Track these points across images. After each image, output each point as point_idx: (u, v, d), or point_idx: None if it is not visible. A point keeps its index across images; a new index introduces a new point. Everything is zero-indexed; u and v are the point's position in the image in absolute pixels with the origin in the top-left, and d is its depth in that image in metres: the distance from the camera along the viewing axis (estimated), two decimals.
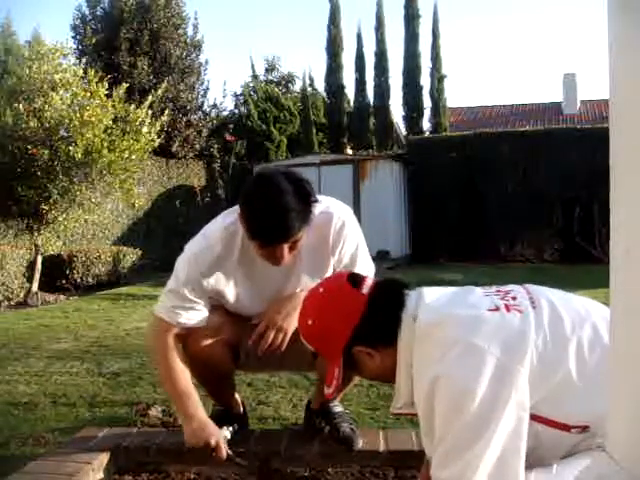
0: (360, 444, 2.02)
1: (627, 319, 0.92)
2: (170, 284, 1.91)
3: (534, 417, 1.26)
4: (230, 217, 1.87)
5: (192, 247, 1.89)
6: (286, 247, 1.73)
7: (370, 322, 1.37)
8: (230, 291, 1.93)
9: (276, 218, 1.65)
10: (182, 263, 1.88)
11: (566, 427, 1.27)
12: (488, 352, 1.24)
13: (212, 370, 1.99)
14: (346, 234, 1.90)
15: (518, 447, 1.21)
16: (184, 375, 1.88)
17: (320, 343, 1.45)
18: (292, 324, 1.88)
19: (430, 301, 1.38)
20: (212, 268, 1.86)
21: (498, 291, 1.42)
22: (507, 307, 1.33)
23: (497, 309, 1.33)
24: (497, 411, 1.20)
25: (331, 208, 1.90)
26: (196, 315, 1.90)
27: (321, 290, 1.47)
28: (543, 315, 1.31)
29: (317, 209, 1.80)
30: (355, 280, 1.43)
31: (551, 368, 1.26)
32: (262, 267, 1.88)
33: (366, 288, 1.41)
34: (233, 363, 2.05)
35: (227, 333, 1.96)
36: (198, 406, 1.87)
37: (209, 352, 1.92)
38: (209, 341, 1.92)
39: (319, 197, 1.89)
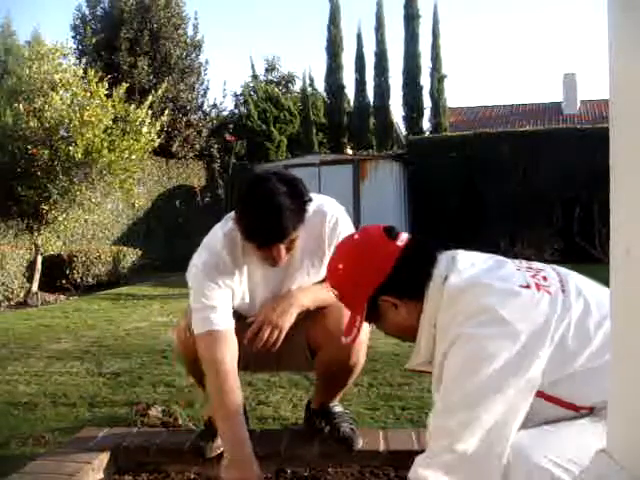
0: (360, 444, 2.02)
1: (627, 319, 0.92)
2: (194, 302, 1.85)
3: (543, 395, 1.27)
4: (227, 225, 1.89)
5: (199, 261, 1.86)
6: (283, 247, 1.74)
7: (400, 273, 1.37)
8: (236, 291, 1.93)
9: (271, 219, 1.66)
10: (195, 278, 1.85)
11: (574, 407, 1.29)
12: (514, 328, 1.24)
13: None
14: (340, 231, 1.91)
15: (515, 419, 1.23)
16: (237, 396, 1.80)
17: (347, 288, 1.44)
18: (287, 321, 1.88)
19: (463, 267, 1.38)
20: (222, 273, 1.85)
21: (529, 268, 1.42)
22: (537, 286, 1.33)
23: (528, 286, 1.33)
24: (507, 385, 1.22)
25: (324, 206, 1.92)
26: (228, 310, 1.85)
27: (356, 237, 1.48)
28: (571, 301, 1.32)
29: (310, 207, 1.81)
30: (391, 232, 1.43)
31: (570, 356, 1.27)
32: (261, 267, 1.89)
33: (401, 241, 1.41)
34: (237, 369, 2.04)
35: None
36: (247, 436, 1.78)
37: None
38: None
39: (312, 195, 1.91)
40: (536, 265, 1.44)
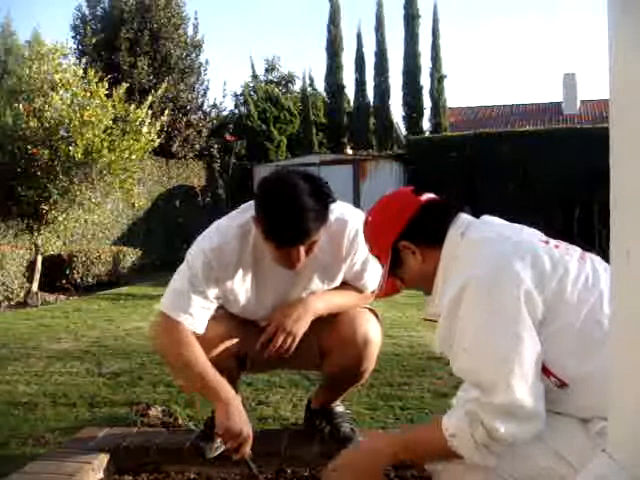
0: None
1: (627, 320, 0.92)
2: (179, 280, 1.83)
3: None
4: (242, 216, 1.82)
5: (206, 243, 1.81)
6: (302, 249, 1.68)
7: (419, 221, 1.47)
8: (239, 292, 1.89)
9: (294, 219, 1.61)
10: (195, 258, 1.80)
11: (548, 372, 1.31)
12: (522, 278, 1.29)
13: None
14: (359, 242, 1.86)
15: (534, 367, 1.27)
16: (205, 360, 1.79)
17: (375, 237, 1.55)
18: (301, 328, 1.85)
19: (483, 224, 1.48)
20: (225, 265, 1.79)
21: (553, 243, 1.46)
22: (556, 246, 1.40)
23: (547, 242, 1.41)
24: (521, 332, 1.27)
25: (346, 215, 1.87)
26: (205, 314, 1.83)
27: (387, 194, 1.61)
28: (585, 269, 1.36)
29: (332, 215, 1.76)
30: (417, 190, 1.55)
31: (554, 314, 1.30)
32: (272, 270, 1.83)
33: (425, 197, 1.52)
34: (238, 372, 2.04)
35: (233, 344, 1.93)
36: (230, 389, 1.79)
37: (215, 364, 1.84)
38: (215, 353, 1.87)
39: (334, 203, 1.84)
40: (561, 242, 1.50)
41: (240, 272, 1.85)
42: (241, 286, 1.88)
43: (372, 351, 1.95)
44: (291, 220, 1.61)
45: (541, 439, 1.29)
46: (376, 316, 2.03)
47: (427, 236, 1.47)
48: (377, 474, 1.47)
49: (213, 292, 1.83)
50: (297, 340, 1.85)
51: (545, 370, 1.30)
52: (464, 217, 1.49)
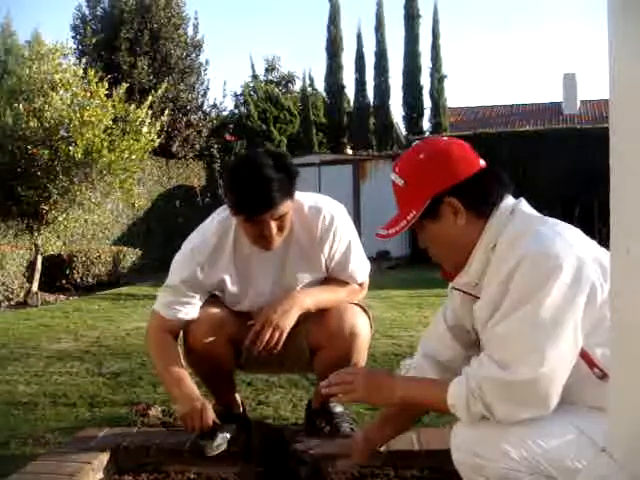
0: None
1: (628, 319, 0.92)
2: (168, 280, 1.96)
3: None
4: (223, 213, 1.92)
5: (188, 243, 1.94)
6: (273, 224, 1.75)
7: (478, 184, 1.37)
8: (226, 285, 1.95)
9: (257, 187, 1.70)
10: (180, 258, 1.94)
11: (591, 363, 1.26)
12: (584, 259, 1.25)
13: (213, 366, 1.99)
14: (335, 228, 1.91)
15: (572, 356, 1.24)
16: (178, 362, 1.92)
17: (418, 178, 1.39)
18: (288, 322, 1.87)
19: (529, 208, 1.42)
20: (208, 261, 1.89)
21: None
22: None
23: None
24: (574, 302, 1.23)
25: (320, 203, 1.93)
26: (193, 310, 1.93)
27: (445, 138, 1.48)
28: None
29: (306, 203, 1.88)
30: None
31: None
32: (256, 262, 1.91)
33: (484, 163, 1.42)
34: (234, 360, 2.05)
35: (228, 328, 1.96)
36: (191, 385, 1.89)
37: (210, 348, 1.92)
38: (211, 337, 1.92)
39: (310, 194, 1.96)
40: None
41: (225, 264, 1.92)
42: (229, 278, 1.94)
43: (360, 344, 1.96)
44: (254, 189, 1.70)
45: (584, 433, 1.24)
46: (365, 311, 2.05)
47: (479, 202, 1.37)
48: (383, 403, 1.54)
49: (201, 287, 1.93)
50: (285, 334, 1.87)
51: (588, 360, 1.26)
52: (511, 197, 1.42)
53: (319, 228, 1.90)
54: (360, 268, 2.03)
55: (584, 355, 1.27)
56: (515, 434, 1.25)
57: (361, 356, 1.98)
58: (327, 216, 1.91)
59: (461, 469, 1.33)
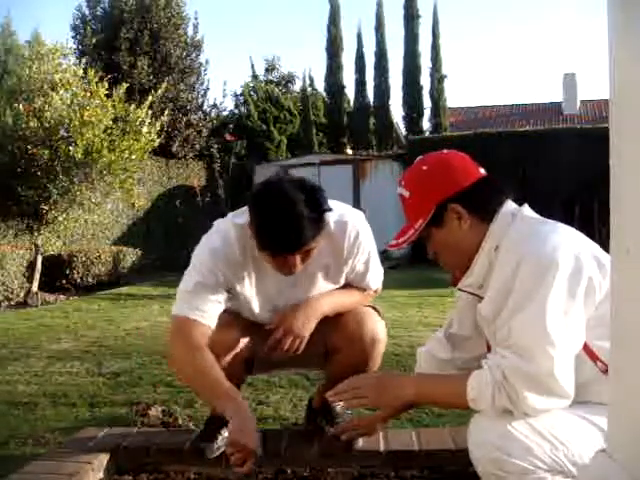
0: (360, 444, 2.02)
1: (627, 319, 0.92)
2: (185, 282, 1.81)
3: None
4: (241, 218, 1.80)
5: (212, 243, 1.81)
6: (298, 257, 1.67)
7: (479, 191, 1.46)
8: (243, 293, 1.89)
9: (288, 229, 1.59)
10: (199, 259, 1.81)
11: (594, 356, 1.31)
12: (581, 256, 1.31)
13: None
14: (360, 243, 1.87)
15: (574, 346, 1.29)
16: (216, 367, 1.71)
17: (423, 188, 1.49)
18: (308, 330, 1.86)
19: (530, 212, 1.49)
20: (228, 264, 1.80)
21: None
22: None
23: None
24: (574, 298, 1.29)
25: (345, 217, 1.86)
26: (215, 307, 1.80)
27: (446, 152, 1.56)
28: None
29: (331, 218, 1.76)
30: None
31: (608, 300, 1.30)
32: (275, 276, 1.83)
33: (484, 171, 1.51)
34: (245, 376, 2.04)
35: (243, 348, 1.92)
36: (242, 398, 1.71)
37: (224, 369, 1.79)
38: (226, 358, 1.86)
39: (332, 203, 1.83)
40: None
41: (243, 270, 1.85)
42: (245, 284, 1.88)
43: (379, 350, 1.97)
44: (285, 230, 1.59)
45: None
46: (379, 313, 2.05)
47: (481, 207, 1.45)
48: (396, 403, 1.52)
49: (220, 289, 1.81)
50: (305, 341, 1.86)
51: (591, 354, 1.31)
52: (512, 203, 1.50)
53: (345, 245, 1.85)
54: (377, 276, 2.03)
55: (587, 349, 1.31)
56: (538, 429, 1.27)
57: (376, 361, 1.98)
58: (353, 232, 1.85)
59: (480, 464, 1.33)
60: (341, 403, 2.17)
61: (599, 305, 1.30)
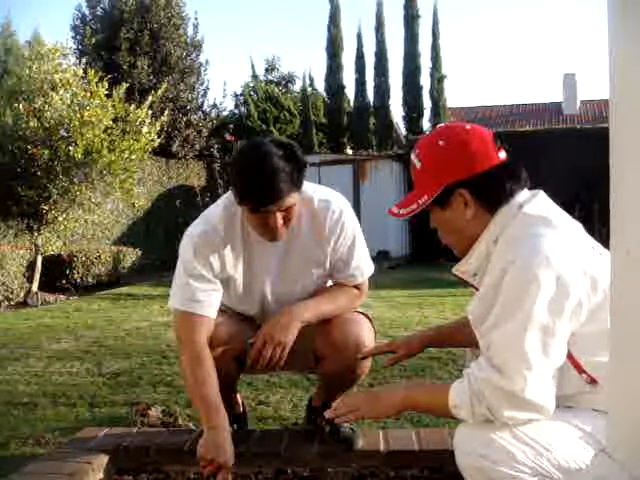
0: (360, 444, 2.02)
1: (627, 319, 0.92)
2: (177, 276, 1.84)
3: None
4: (227, 200, 1.85)
5: (194, 230, 1.84)
6: (279, 215, 1.69)
7: (491, 180, 1.38)
8: (232, 277, 1.89)
9: (264, 178, 1.64)
10: (186, 247, 1.83)
11: (580, 369, 1.30)
12: (570, 269, 1.27)
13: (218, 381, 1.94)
14: (343, 222, 1.88)
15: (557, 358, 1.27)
16: (213, 382, 1.77)
17: (436, 165, 1.42)
18: (290, 337, 1.83)
19: (541, 203, 1.42)
20: (216, 249, 1.82)
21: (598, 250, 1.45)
22: (600, 254, 1.37)
23: (593, 248, 1.38)
24: (559, 312, 1.25)
25: (329, 197, 1.89)
26: (212, 296, 1.83)
27: (468, 127, 1.45)
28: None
29: (315, 196, 1.83)
30: (496, 141, 1.44)
31: (594, 318, 1.28)
32: (260, 252, 1.86)
33: (502, 156, 1.42)
34: (238, 373, 2.04)
35: (235, 344, 1.90)
36: (225, 419, 1.76)
37: (217, 365, 1.83)
38: (217, 354, 1.85)
39: (320, 187, 1.92)
40: None
41: (230, 254, 1.86)
42: (233, 268, 1.88)
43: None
44: (262, 180, 1.64)
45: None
46: (369, 320, 2.02)
47: (490, 197, 1.39)
48: (388, 411, 1.55)
49: (211, 275, 1.83)
50: (287, 349, 1.83)
51: (577, 366, 1.30)
52: (527, 191, 1.43)
53: (327, 222, 1.87)
54: (362, 266, 2.00)
55: (572, 361, 1.30)
56: (520, 436, 1.27)
57: (365, 365, 1.97)
58: (336, 210, 1.87)
59: (467, 472, 1.34)
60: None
61: (586, 320, 1.28)
